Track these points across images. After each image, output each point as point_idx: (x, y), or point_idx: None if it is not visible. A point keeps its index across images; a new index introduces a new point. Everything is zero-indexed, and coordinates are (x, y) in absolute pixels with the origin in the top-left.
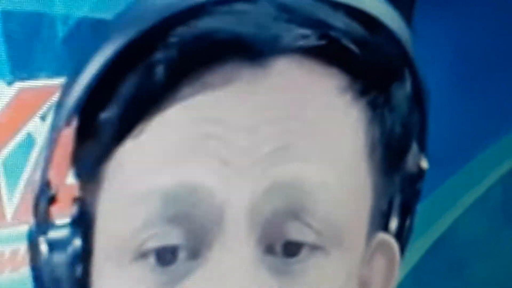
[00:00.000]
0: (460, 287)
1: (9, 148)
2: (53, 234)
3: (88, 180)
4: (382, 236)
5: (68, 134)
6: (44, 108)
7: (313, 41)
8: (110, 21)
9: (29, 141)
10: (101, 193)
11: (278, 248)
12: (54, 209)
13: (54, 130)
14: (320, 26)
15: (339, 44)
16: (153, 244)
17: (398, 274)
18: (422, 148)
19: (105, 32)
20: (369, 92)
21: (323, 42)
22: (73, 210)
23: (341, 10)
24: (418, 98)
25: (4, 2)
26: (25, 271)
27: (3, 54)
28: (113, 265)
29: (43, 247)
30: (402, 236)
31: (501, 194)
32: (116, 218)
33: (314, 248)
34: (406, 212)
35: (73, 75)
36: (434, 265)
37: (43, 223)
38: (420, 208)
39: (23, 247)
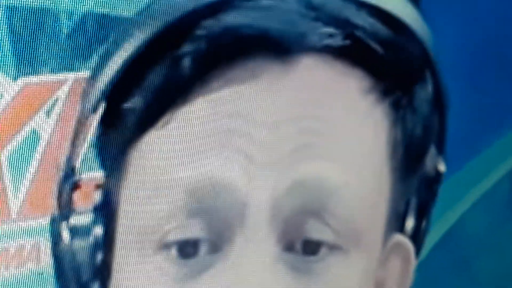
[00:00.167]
0: (467, 282)
1: (14, 143)
2: (75, 221)
3: (112, 169)
4: (398, 237)
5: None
6: (49, 104)
7: (339, 40)
8: (139, 12)
9: (34, 136)
10: (125, 182)
11: (298, 246)
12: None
13: (81, 118)
14: (345, 26)
15: (364, 44)
16: (176, 236)
17: (412, 275)
18: (440, 151)
19: (122, 24)
20: (392, 93)
21: (348, 42)
22: (96, 197)
23: (365, 10)
24: (438, 101)
25: None
26: (31, 268)
27: (7, 49)
28: (134, 255)
29: (65, 234)
30: (417, 238)
31: (508, 189)
32: (139, 208)
33: (333, 247)
34: (423, 213)
35: (99, 65)
36: (441, 260)
37: (65, 210)
38: None
39: (28, 244)
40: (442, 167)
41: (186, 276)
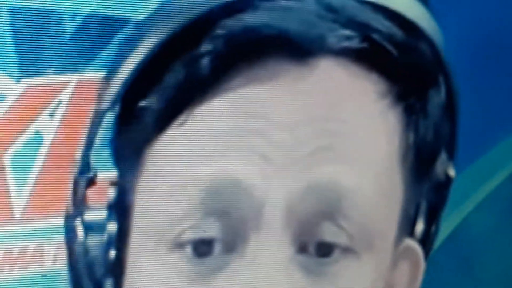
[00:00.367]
0: (471, 282)
1: (17, 145)
2: (89, 217)
3: (127, 167)
4: (408, 241)
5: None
6: (53, 105)
7: (356, 43)
8: (155, 10)
9: (37, 138)
10: (140, 180)
11: (311, 248)
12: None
13: (97, 115)
14: (363, 28)
15: (380, 47)
16: (191, 235)
17: (421, 279)
18: (451, 156)
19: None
20: (407, 97)
21: (365, 44)
22: (110, 195)
23: (381, 13)
24: (450, 106)
25: None
26: (34, 269)
27: (11, 50)
28: (149, 253)
29: (79, 229)
30: (427, 241)
31: None
32: (155, 206)
33: (346, 250)
34: (432, 218)
35: (114, 65)
36: (445, 261)
37: (80, 206)
38: None
39: (32, 245)
40: (452, 172)
41: (200, 275)
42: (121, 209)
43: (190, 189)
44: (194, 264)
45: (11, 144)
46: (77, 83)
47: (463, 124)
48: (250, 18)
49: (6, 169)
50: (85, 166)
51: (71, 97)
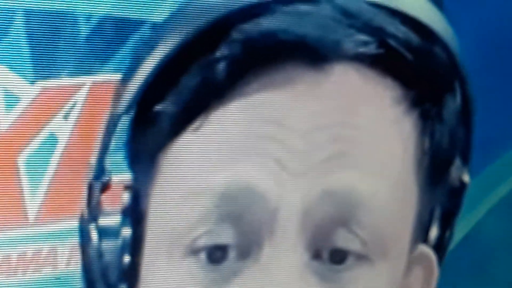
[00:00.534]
0: (484, 286)
1: (32, 147)
2: (104, 222)
3: (141, 171)
4: (421, 247)
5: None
6: (67, 107)
7: (372, 48)
8: (172, 14)
9: (52, 140)
10: (154, 185)
11: (325, 254)
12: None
13: (112, 118)
14: (379, 33)
15: (396, 53)
16: (205, 241)
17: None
18: (465, 162)
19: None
20: (422, 103)
21: (381, 50)
22: (124, 200)
23: (397, 18)
24: (465, 111)
25: (26, 1)
26: (48, 272)
27: (25, 53)
28: (163, 259)
29: (93, 234)
30: (441, 247)
31: None
32: (169, 211)
33: (360, 257)
34: (447, 223)
35: (131, 69)
36: (458, 264)
37: (94, 210)
38: None
39: (45, 248)
40: (466, 178)
41: (214, 281)
42: (135, 214)
43: (205, 194)
44: (208, 270)
45: (26, 146)
46: (92, 85)
47: (476, 130)
48: (267, 23)
49: (21, 171)
50: (100, 170)
51: (86, 99)
